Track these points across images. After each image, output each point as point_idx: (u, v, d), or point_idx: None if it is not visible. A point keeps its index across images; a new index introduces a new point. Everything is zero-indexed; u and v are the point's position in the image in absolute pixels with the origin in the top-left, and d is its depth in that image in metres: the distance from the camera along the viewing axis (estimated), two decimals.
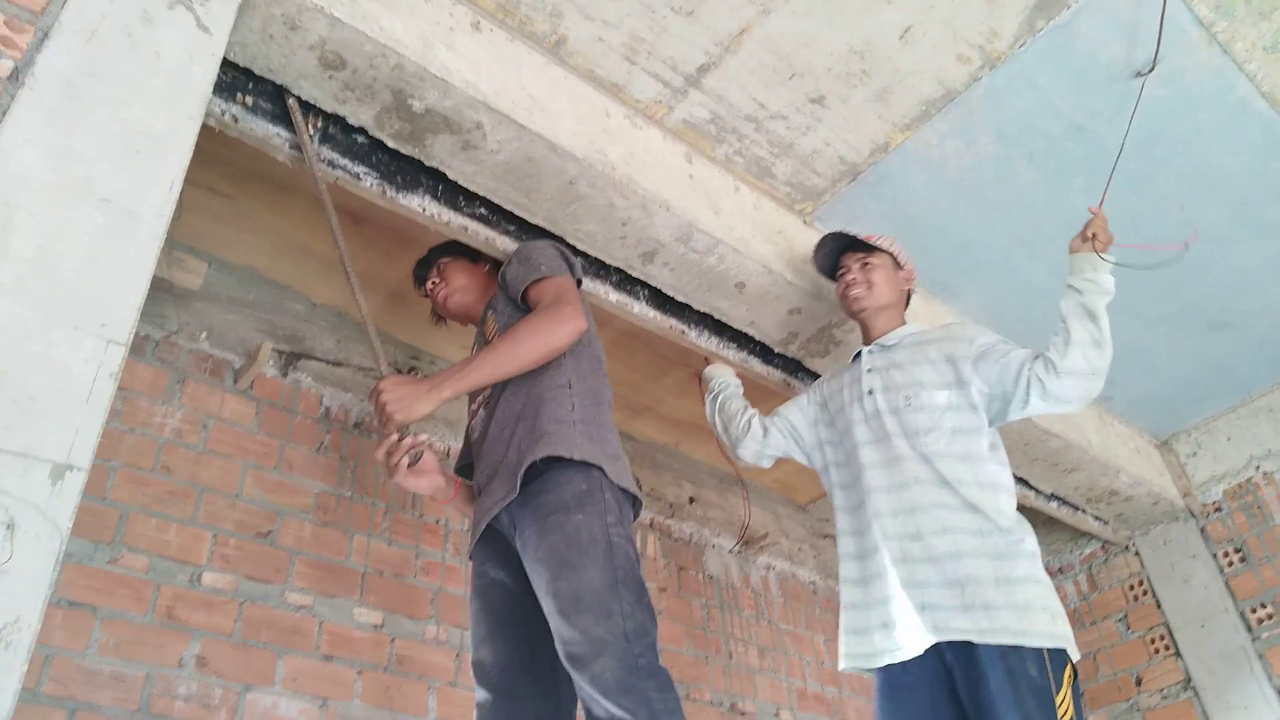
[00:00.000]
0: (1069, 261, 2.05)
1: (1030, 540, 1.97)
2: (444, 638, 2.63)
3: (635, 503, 1.90)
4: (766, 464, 2.39)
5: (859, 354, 2.27)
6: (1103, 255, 2.00)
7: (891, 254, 2.30)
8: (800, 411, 2.32)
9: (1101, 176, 2.47)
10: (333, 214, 1.82)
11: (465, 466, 2.10)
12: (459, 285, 2.23)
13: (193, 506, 2.35)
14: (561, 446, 1.77)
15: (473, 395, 2.09)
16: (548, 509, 1.73)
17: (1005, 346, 2.10)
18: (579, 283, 2.06)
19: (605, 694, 1.55)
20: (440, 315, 2.36)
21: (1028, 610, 1.85)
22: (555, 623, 1.65)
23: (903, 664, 1.92)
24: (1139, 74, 2.23)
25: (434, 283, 2.26)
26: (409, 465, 1.85)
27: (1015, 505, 2.03)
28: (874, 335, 2.27)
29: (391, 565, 2.63)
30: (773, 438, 2.33)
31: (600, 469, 1.78)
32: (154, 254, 1.33)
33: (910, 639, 1.90)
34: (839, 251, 2.33)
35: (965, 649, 1.84)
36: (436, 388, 1.78)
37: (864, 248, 2.29)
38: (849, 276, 2.28)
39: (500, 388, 1.94)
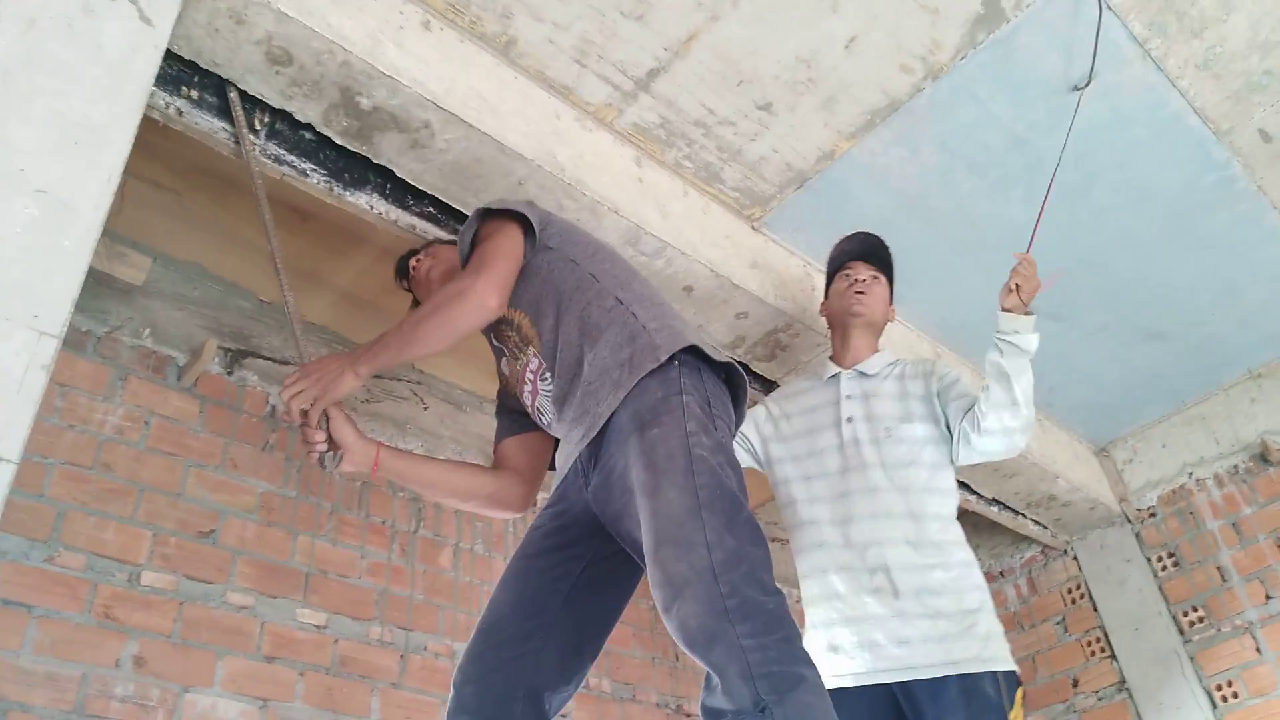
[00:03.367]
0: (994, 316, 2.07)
1: (978, 572, 2.04)
2: (389, 639, 2.62)
3: (731, 380, 1.71)
4: None
5: (835, 376, 2.26)
6: (1027, 309, 2.04)
7: (891, 285, 2.37)
8: (756, 428, 2.31)
9: (1040, 187, 2.54)
10: (264, 203, 1.79)
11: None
12: (444, 258, 2.03)
13: (133, 505, 2.32)
14: (645, 359, 1.58)
15: (510, 370, 1.89)
16: (625, 431, 1.54)
17: (960, 388, 2.17)
18: (520, 220, 1.84)
19: (692, 646, 1.32)
20: (420, 301, 2.12)
21: (989, 639, 1.94)
22: (647, 565, 1.43)
23: (852, 689, 1.94)
24: (1076, 88, 2.30)
25: (419, 259, 2.06)
26: (321, 464, 1.75)
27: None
28: (851, 353, 2.28)
29: (336, 566, 2.62)
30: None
31: (675, 360, 1.59)
32: (90, 246, 1.32)
33: (864, 668, 1.94)
34: (853, 257, 2.36)
35: (920, 683, 1.90)
36: (355, 365, 1.66)
37: (880, 263, 2.35)
38: (858, 277, 2.31)
39: (547, 352, 1.75)
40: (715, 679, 1.31)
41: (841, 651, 1.97)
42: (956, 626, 1.93)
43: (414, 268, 2.05)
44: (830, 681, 1.94)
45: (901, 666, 1.91)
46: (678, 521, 1.39)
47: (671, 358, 1.60)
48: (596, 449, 1.62)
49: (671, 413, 1.53)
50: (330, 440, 1.73)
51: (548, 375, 1.75)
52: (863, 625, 1.95)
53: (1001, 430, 2.05)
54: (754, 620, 1.30)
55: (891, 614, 1.94)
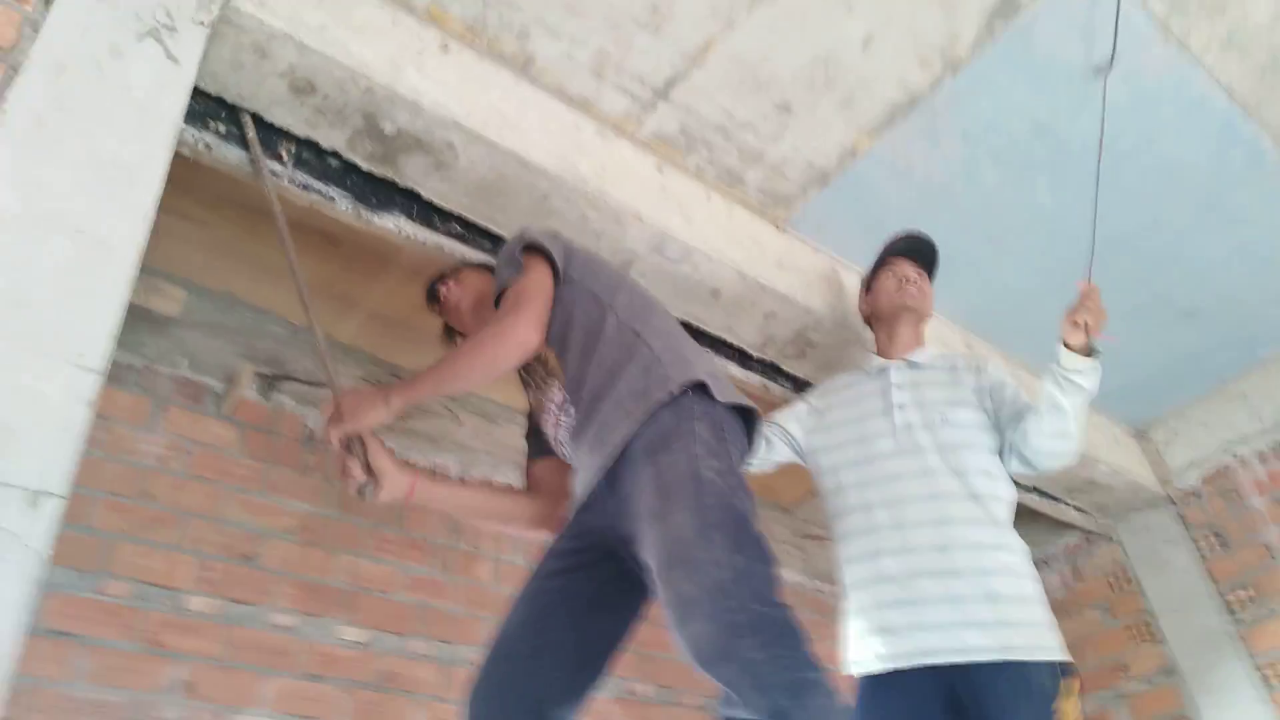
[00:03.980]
0: (1056, 345, 2.04)
1: (1030, 559, 2.05)
2: (431, 653, 2.64)
3: (745, 417, 1.73)
4: (770, 470, 2.41)
5: (883, 368, 2.29)
6: (1094, 344, 2.01)
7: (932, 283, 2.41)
8: (798, 421, 2.34)
9: (1066, 172, 2.52)
10: (283, 226, 1.81)
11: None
12: (474, 286, 2.07)
13: (176, 532, 2.35)
14: (657, 391, 1.62)
15: (535, 401, 1.94)
16: (637, 459, 1.57)
17: (1009, 393, 2.18)
18: (548, 256, 1.87)
19: (704, 663, 1.33)
20: (451, 329, 2.20)
21: (1045, 628, 1.93)
22: (657, 589, 1.45)
23: (901, 671, 1.93)
24: (1098, 72, 2.27)
25: (449, 286, 2.10)
26: (360, 495, 1.80)
27: None
28: (897, 347, 2.32)
29: (376, 583, 2.64)
30: (776, 447, 2.34)
31: (687, 391, 1.63)
32: (127, 283, 1.34)
33: (919, 649, 1.92)
34: (899, 253, 2.40)
35: (977, 667, 1.88)
36: (389, 398, 1.72)
37: (928, 265, 2.40)
38: (909, 274, 2.36)
39: (571, 385, 1.78)
40: (725, 692, 1.33)
41: (894, 633, 1.95)
42: (1016, 612, 1.91)
43: (444, 295, 2.09)
44: (880, 664, 1.95)
45: (958, 649, 1.89)
46: (686, 543, 1.42)
47: (685, 388, 1.64)
48: (613, 478, 1.65)
49: (682, 439, 1.56)
50: (368, 469, 1.78)
51: (570, 409, 1.79)
52: (918, 607, 1.94)
53: (1051, 455, 2.09)
54: (763, 633, 1.33)
55: (949, 596, 1.92)
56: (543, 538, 2.01)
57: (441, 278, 2.13)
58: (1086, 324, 1.99)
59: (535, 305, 1.76)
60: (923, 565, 1.97)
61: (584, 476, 1.75)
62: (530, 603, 1.74)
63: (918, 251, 2.40)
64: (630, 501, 1.57)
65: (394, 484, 1.81)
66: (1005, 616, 1.90)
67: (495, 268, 1.93)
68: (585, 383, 1.75)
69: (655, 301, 1.94)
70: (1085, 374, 2.00)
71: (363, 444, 1.78)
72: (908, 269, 2.37)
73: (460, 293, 2.07)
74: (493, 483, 2.04)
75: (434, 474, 1.93)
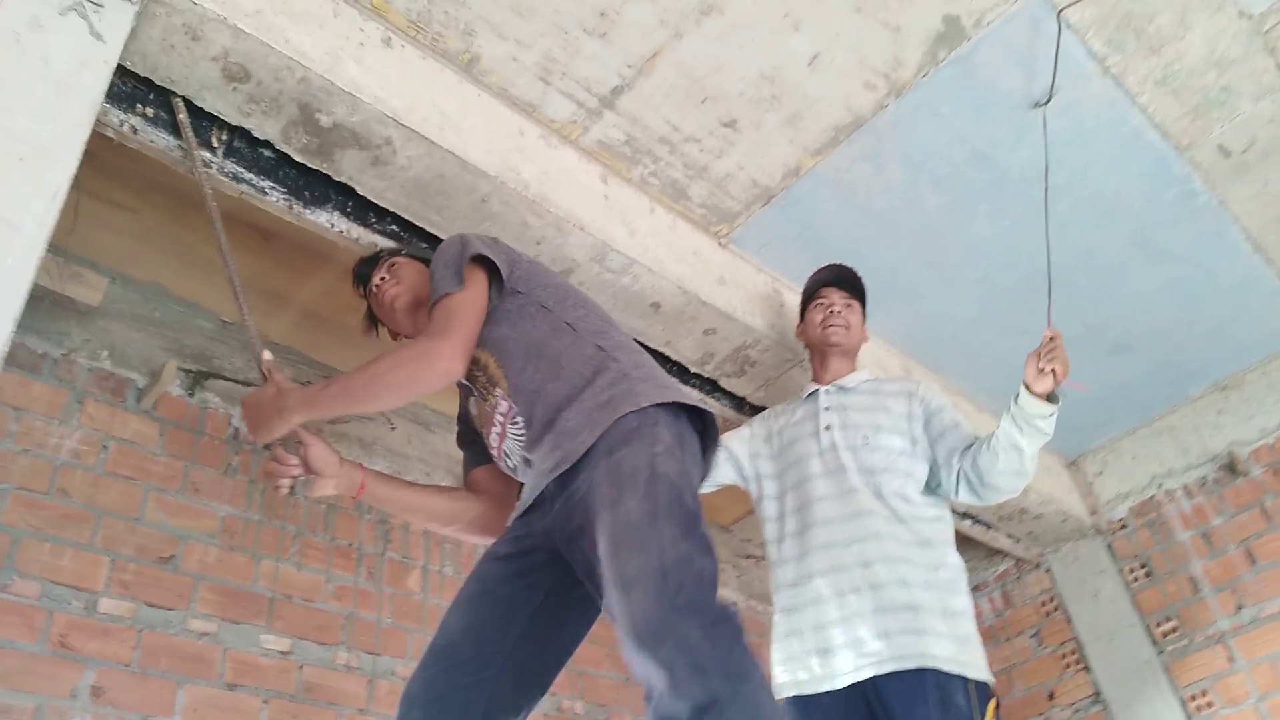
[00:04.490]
0: (1020, 388, 2.03)
1: (965, 579, 2.06)
2: (355, 664, 2.57)
3: (706, 424, 1.72)
4: (712, 490, 2.40)
5: (814, 392, 2.33)
6: (1058, 389, 2.01)
7: (865, 309, 2.43)
8: (742, 443, 2.36)
9: (1004, 202, 2.56)
10: (215, 212, 1.76)
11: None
12: (411, 284, 1.95)
13: (90, 531, 2.27)
14: (626, 404, 1.60)
15: (478, 410, 1.87)
16: (595, 457, 1.55)
17: (948, 419, 2.20)
18: (486, 261, 1.80)
19: (641, 642, 1.30)
20: (375, 321, 2.08)
21: (966, 643, 1.95)
22: (599, 577, 1.44)
23: (827, 692, 1.95)
24: (1037, 104, 2.32)
25: (382, 279, 1.98)
26: (291, 491, 1.74)
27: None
28: (829, 374, 2.35)
29: (301, 590, 2.57)
30: (720, 468, 2.34)
31: (655, 405, 1.61)
32: (33, 265, 1.29)
33: (849, 667, 1.94)
34: (826, 283, 2.42)
35: (897, 676, 1.90)
36: (286, 412, 1.65)
37: (853, 290, 2.41)
38: (834, 308, 2.36)
39: (520, 397, 1.72)
40: (657, 687, 1.29)
41: (823, 654, 1.97)
42: (937, 624, 1.93)
43: (378, 290, 2.00)
44: (810, 688, 1.97)
45: (880, 660, 1.91)
46: (634, 526, 1.41)
47: (656, 405, 1.62)
48: (565, 478, 1.62)
49: (643, 438, 1.55)
50: (305, 467, 1.73)
51: (519, 420, 1.73)
52: (846, 625, 1.96)
53: (1002, 491, 2.13)
54: (703, 615, 1.31)
55: (873, 609, 1.94)
56: (490, 540, 1.95)
57: (375, 262, 2.03)
58: (1055, 371, 1.99)
59: (464, 329, 1.70)
60: (849, 582, 1.99)
61: (532, 480, 1.71)
62: (474, 610, 1.67)
63: (843, 280, 2.42)
64: (579, 497, 1.55)
65: (342, 482, 1.78)
66: (926, 627, 1.91)
67: (432, 268, 1.85)
68: (542, 394, 1.70)
69: (608, 315, 1.91)
70: (1047, 419, 2.02)
71: (299, 440, 1.72)
72: (835, 298, 2.39)
73: (396, 291, 1.96)
74: (441, 485, 1.99)
75: (381, 474, 1.88)
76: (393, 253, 2.04)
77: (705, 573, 1.39)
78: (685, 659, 1.26)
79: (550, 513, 1.65)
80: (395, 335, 2.07)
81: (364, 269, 2.03)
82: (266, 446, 1.71)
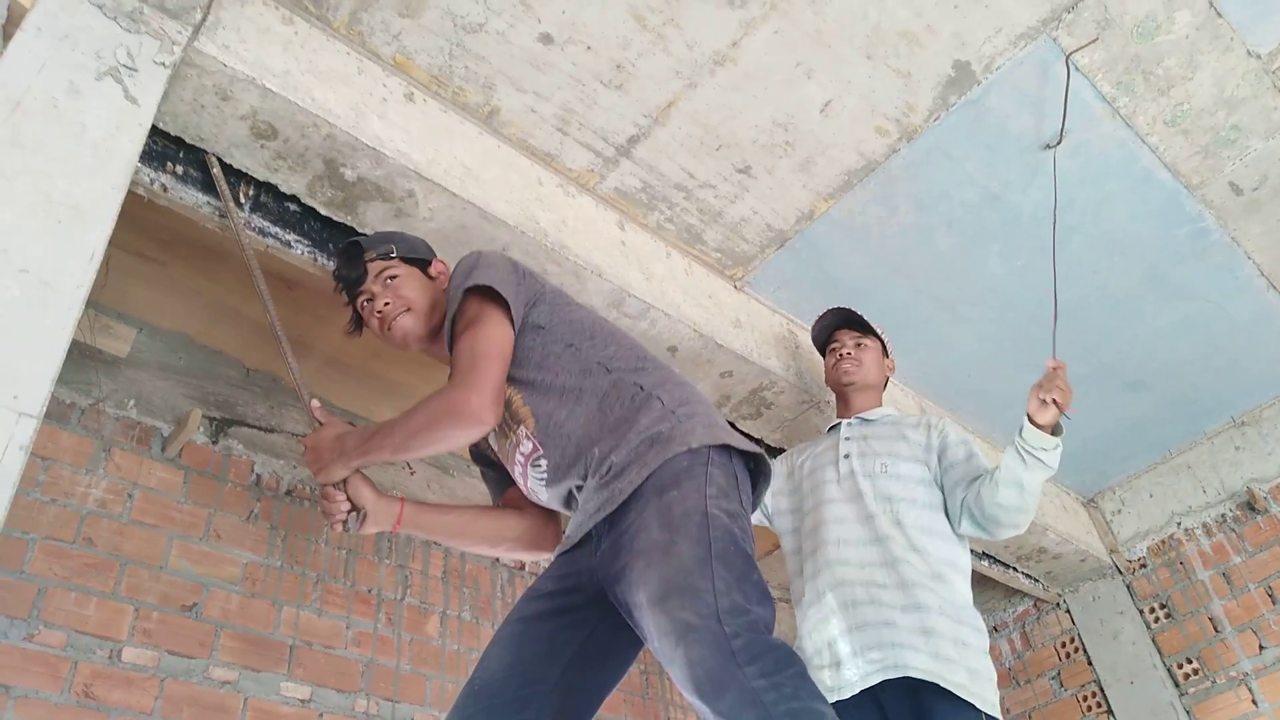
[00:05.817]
0: (1023, 420, 2.04)
1: (982, 624, 2.05)
2: (374, 711, 2.57)
3: (758, 464, 1.69)
4: None
5: (836, 425, 2.37)
6: (1064, 417, 2.02)
7: (883, 341, 2.45)
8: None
9: (1016, 242, 2.58)
10: (258, 275, 1.81)
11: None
12: (420, 309, 1.82)
13: (114, 579, 2.29)
14: (677, 445, 1.56)
15: (499, 446, 1.82)
16: (645, 497, 1.52)
17: (961, 452, 2.20)
18: (507, 305, 1.72)
19: (700, 694, 1.27)
20: (360, 321, 1.91)
21: (977, 675, 1.93)
22: (646, 622, 1.39)
23: (836, 703, 1.94)
24: (1048, 146, 2.34)
25: (386, 304, 1.81)
26: (345, 527, 1.75)
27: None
28: (853, 410, 2.38)
29: (321, 637, 2.58)
30: None
31: (706, 446, 1.58)
32: (71, 325, 1.32)
33: (858, 674, 1.94)
34: (835, 327, 2.46)
35: (911, 692, 1.90)
36: (346, 455, 1.69)
37: (860, 327, 2.43)
38: (843, 350, 2.40)
39: (548, 439, 1.68)
40: None
41: (840, 666, 1.98)
42: (950, 651, 1.91)
43: (379, 316, 1.82)
44: (830, 696, 1.96)
45: (891, 665, 1.91)
46: (686, 571, 1.37)
47: (707, 447, 1.59)
48: (614, 520, 1.59)
49: (695, 479, 1.53)
50: (351, 503, 1.75)
51: (541, 462, 1.71)
52: (863, 632, 1.96)
53: (1005, 525, 2.12)
54: (764, 660, 1.27)
55: (886, 621, 1.94)
56: (541, 557, 1.94)
57: (357, 259, 1.83)
58: (1056, 402, 1.98)
59: (492, 374, 1.64)
60: (862, 596, 2.00)
61: (578, 519, 1.67)
62: (516, 648, 1.64)
63: (846, 321, 2.45)
64: (627, 537, 1.51)
65: (381, 514, 1.77)
66: (940, 651, 1.90)
67: (450, 293, 1.77)
68: (577, 437, 1.67)
69: (641, 348, 1.84)
70: (1050, 451, 2.02)
71: (343, 478, 1.75)
72: (845, 339, 2.43)
73: (407, 325, 1.81)
74: (482, 505, 1.95)
75: (419, 502, 1.85)
76: (382, 255, 1.84)
77: (761, 619, 1.35)
78: (751, 711, 1.23)
79: (596, 552, 1.62)
80: (410, 350, 1.91)
81: (348, 270, 1.83)
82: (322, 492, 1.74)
